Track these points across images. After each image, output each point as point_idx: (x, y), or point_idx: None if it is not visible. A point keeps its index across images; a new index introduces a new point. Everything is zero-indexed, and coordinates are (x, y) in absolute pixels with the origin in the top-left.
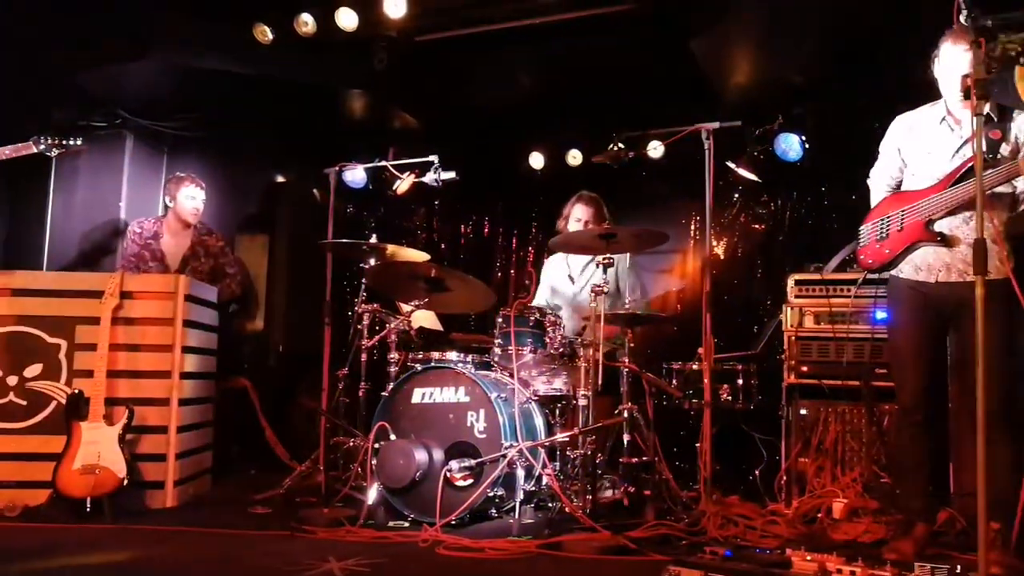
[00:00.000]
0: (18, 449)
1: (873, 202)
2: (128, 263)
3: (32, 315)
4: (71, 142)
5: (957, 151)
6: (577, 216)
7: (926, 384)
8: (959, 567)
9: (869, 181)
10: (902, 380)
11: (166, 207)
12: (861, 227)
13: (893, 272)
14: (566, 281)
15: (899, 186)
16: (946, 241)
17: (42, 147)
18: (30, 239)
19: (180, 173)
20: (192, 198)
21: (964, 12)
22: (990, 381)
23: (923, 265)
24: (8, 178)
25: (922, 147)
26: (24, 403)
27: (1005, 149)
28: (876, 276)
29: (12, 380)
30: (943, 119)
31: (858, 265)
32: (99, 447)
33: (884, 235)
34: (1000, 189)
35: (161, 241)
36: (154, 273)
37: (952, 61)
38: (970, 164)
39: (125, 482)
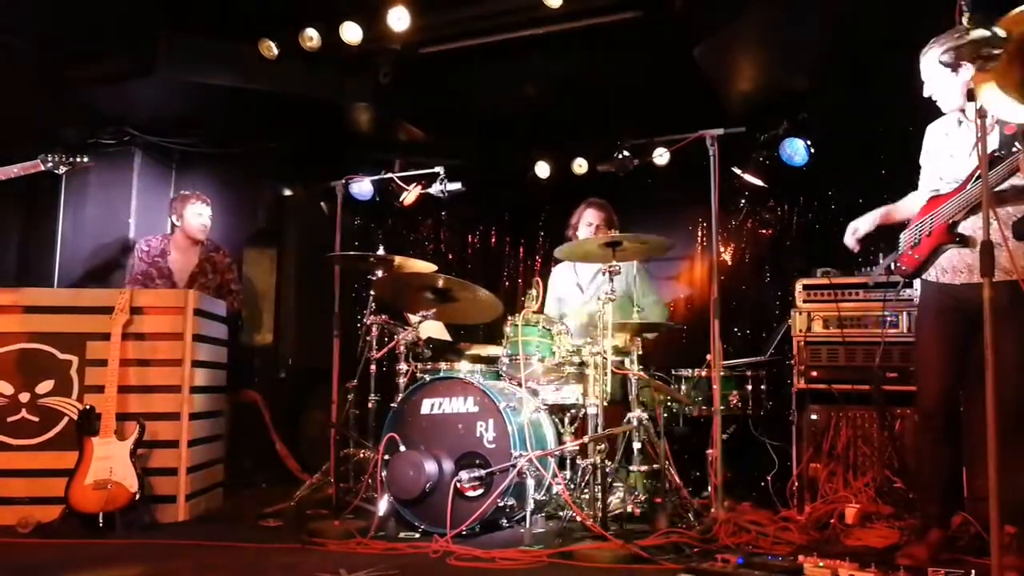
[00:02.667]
0: (31, 465)
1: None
2: (135, 281)
3: (43, 332)
4: (78, 159)
5: (972, 149)
6: (588, 220)
7: (948, 389)
8: (973, 572)
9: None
10: (924, 384)
11: (173, 225)
12: (900, 235)
13: (923, 276)
14: (574, 290)
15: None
16: (966, 242)
17: (49, 164)
18: (41, 256)
19: (185, 191)
20: (199, 215)
21: (966, 15)
22: (1007, 384)
23: (948, 267)
24: (19, 196)
25: (946, 151)
26: (36, 419)
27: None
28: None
29: (24, 397)
30: (961, 121)
31: (896, 272)
32: (111, 462)
33: (917, 241)
34: (1018, 182)
35: (168, 259)
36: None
37: (925, 72)
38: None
39: (137, 497)
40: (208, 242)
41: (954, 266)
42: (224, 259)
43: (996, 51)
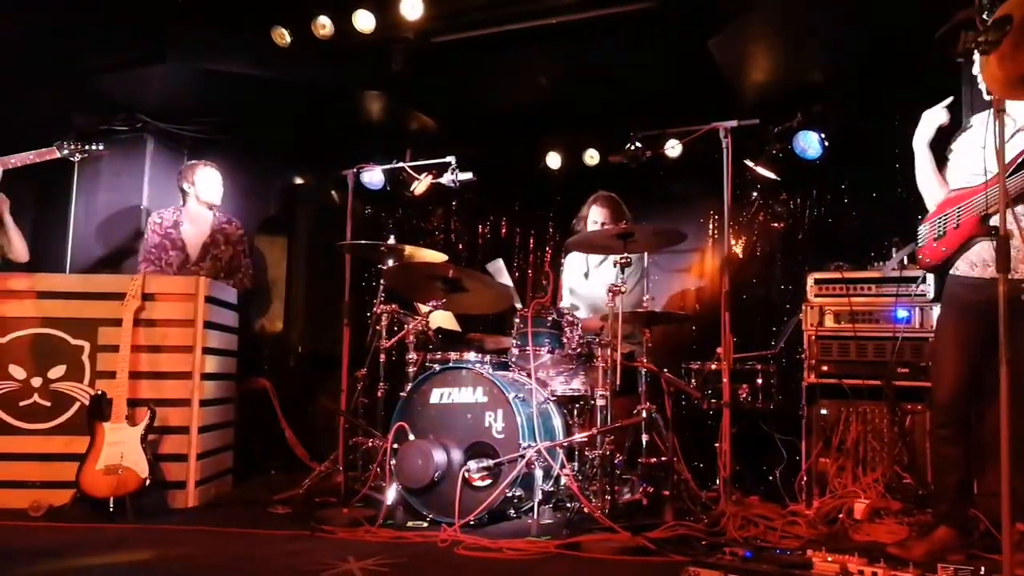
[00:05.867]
0: (42, 449)
1: (929, 203)
2: (150, 254)
3: (56, 317)
4: (93, 147)
5: (1009, 140)
6: (594, 218)
7: (964, 386)
8: (983, 568)
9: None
10: (939, 381)
11: (184, 195)
12: (920, 227)
13: (950, 271)
14: (583, 279)
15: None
16: None
17: (65, 152)
18: (53, 242)
19: (192, 160)
20: (209, 177)
21: (986, 6)
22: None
23: (978, 261)
24: (32, 182)
25: (976, 141)
26: (48, 404)
27: None
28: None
29: (36, 381)
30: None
31: (918, 265)
32: (122, 447)
33: (941, 233)
34: None
35: (181, 229)
36: (175, 262)
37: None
38: None
39: (147, 482)
40: (220, 214)
41: (984, 259)
42: (236, 231)
43: (992, 36)
